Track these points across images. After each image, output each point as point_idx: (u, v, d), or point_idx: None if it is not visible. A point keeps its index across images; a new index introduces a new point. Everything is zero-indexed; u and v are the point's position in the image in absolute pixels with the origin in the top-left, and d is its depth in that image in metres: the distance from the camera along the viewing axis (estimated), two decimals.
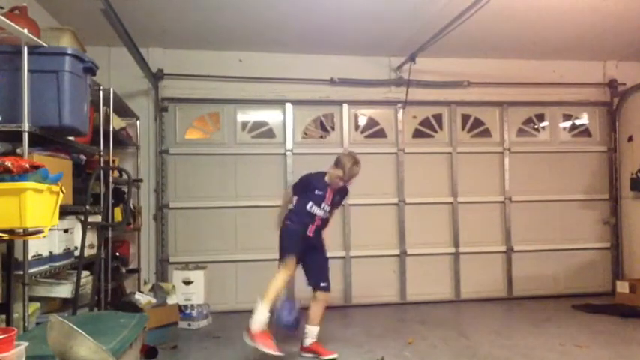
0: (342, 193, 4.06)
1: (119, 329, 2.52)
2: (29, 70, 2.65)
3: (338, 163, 3.88)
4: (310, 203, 3.92)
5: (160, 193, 5.49)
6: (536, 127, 6.27)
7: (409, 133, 5.99)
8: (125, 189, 4.53)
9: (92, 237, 3.66)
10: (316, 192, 3.94)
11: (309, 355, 3.91)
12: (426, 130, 6.06)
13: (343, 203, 4.24)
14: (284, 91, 5.70)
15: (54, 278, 3.26)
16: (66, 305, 3.42)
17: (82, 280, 3.33)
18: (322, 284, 3.95)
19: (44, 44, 2.75)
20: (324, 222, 4.02)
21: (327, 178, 3.94)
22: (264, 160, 5.68)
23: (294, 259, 3.83)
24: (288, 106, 5.75)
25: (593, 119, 6.34)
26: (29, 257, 2.77)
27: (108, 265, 4.06)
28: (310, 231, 3.95)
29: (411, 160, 5.92)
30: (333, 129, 5.91)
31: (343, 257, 5.74)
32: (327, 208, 3.96)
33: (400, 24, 4.86)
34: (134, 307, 4.08)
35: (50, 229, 2.56)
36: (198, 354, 4.00)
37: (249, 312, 5.24)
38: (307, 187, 4.00)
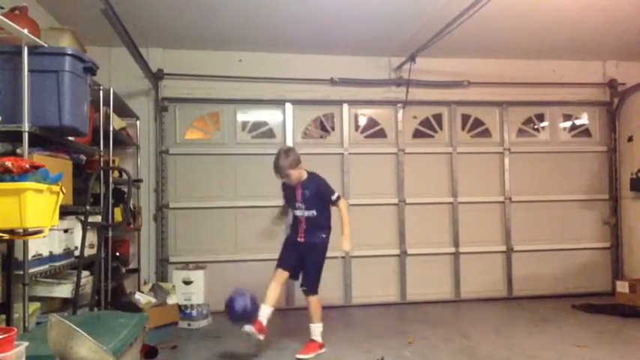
0: (310, 186, 4.02)
1: (119, 329, 2.51)
2: (29, 70, 2.64)
3: None
4: (290, 209, 4.21)
5: (160, 193, 5.49)
6: (536, 127, 6.27)
7: (409, 133, 5.99)
8: (125, 189, 4.53)
9: (92, 237, 3.66)
10: (289, 194, 4.14)
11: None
12: (426, 130, 6.06)
13: (334, 198, 4.04)
14: (284, 91, 5.70)
15: (54, 278, 3.26)
16: (66, 305, 3.42)
17: (82, 280, 3.33)
18: (303, 288, 4.07)
19: (44, 44, 2.75)
20: (311, 221, 4.02)
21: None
22: (264, 160, 5.65)
23: (280, 270, 4.04)
24: (288, 106, 5.75)
25: (593, 119, 6.34)
26: (29, 257, 2.76)
27: (108, 265, 4.06)
28: (300, 236, 4.06)
29: (411, 160, 5.92)
30: (333, 129, 5.91)
31: (343, 257, 5.73)
32: (303, 206, 4.02)
33: (400, 24, 4.86)
34: (134, 307, 4.08)
35: (50, 229, 2.56)
36: (198, 354, 4.00)
37: None
38: (285, 194, 4.25)
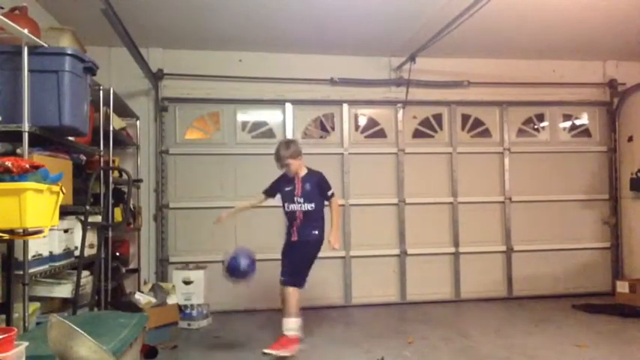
0: (310, 179, 4.11)
1: (119, 329, 2.51)
2: (29, 70, 2.64)
3: None
4: (286, 204, 4.13)
5: (160, 193, 5.49)
6: (536, 127, 6.27)
7: (409, 133, 5.99)
8: (125, 189, 4.53)
9: (92, 237, 3.65)
10: (286, 189, 4.15)
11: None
12: (426, 130, 6.06)
13: (329, 193, 4.15)
14: (284, 91, 5.70)
15: (54, 278, 3.26)
16: (66, 305, 3.42)
17: (82, 280, 3.33)
18: (280, 277, 4.05)
19: (44, 44, 2.75)
20: (308, 216, 4.05)
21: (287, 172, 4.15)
22: (264, 160, 5.64)
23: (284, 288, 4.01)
24: (288, 106, 5.75)
25: (593, 119, 6.34)
26: (29, 257, 2.76)
27: (108, 265, 4.06)
28: (294, 235, 4.07)
29: (411, 160, 5.92)
30: (333, 129, 5.91)
31: (343, 257, 5.74)
32: (302, 200, 4.05)
33: (400, 24, 4.86)
34: (134, 307, 4.08)
35: (50, 229, 2.57)
36: (198, 354, 4.00)
37: (249, 312, 5.24)
38: (276, 188, 4.24)
